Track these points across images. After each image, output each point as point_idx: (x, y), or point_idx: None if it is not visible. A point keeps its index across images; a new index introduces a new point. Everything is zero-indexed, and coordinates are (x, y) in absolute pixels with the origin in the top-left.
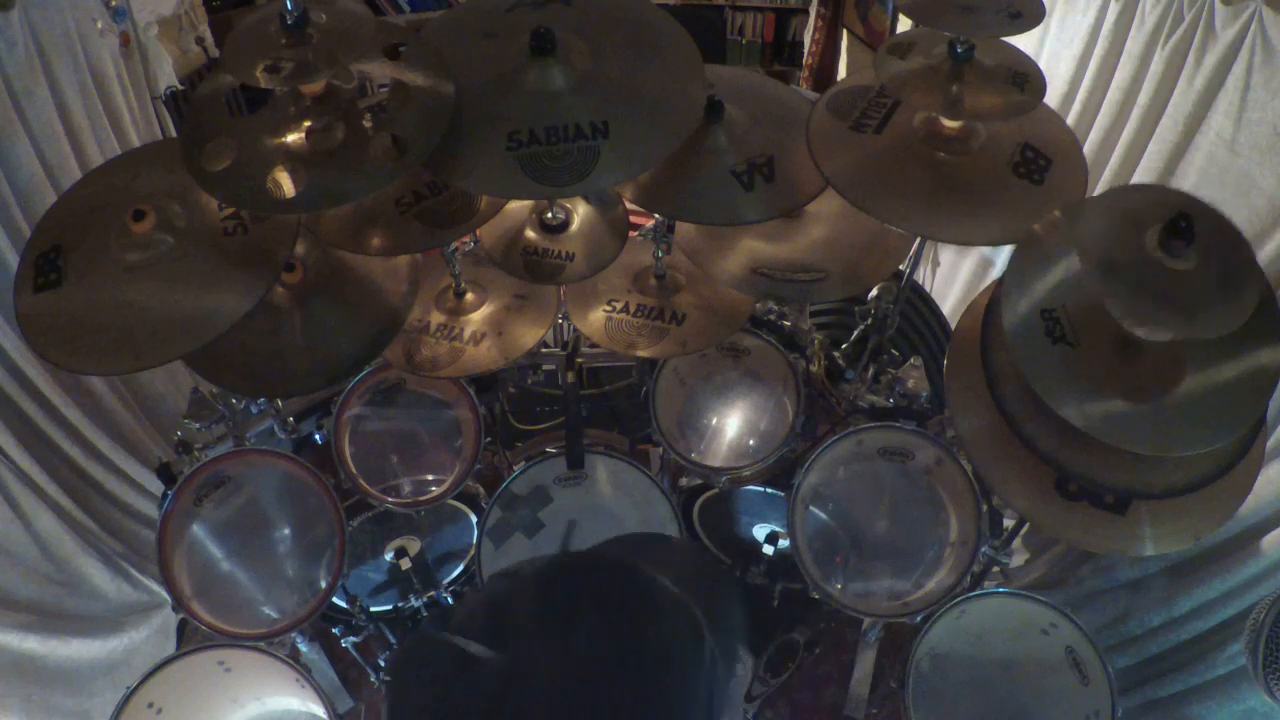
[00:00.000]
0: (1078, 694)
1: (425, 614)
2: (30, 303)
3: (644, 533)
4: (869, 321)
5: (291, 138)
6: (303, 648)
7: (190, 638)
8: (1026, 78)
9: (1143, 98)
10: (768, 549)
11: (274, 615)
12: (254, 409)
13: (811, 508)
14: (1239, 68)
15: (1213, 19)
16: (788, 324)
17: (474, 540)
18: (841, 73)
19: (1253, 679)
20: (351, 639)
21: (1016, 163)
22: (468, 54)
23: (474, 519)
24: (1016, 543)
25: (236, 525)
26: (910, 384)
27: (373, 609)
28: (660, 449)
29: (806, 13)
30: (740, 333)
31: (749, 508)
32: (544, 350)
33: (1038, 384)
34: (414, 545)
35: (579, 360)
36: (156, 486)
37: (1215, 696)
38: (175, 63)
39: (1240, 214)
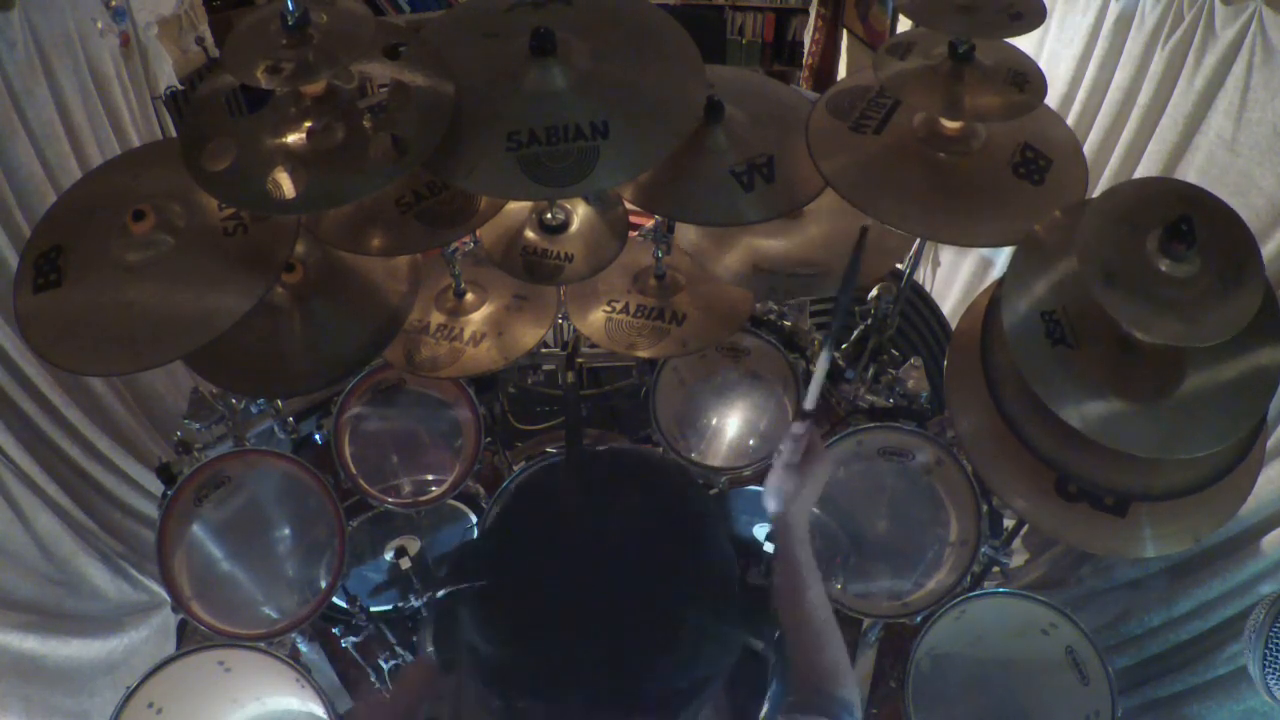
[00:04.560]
0: (1078, 694)
1: (425, 614)
2: (30, 303)
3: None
4: (869, 321)
5: (291, 138)
6: (303, 648)
7: (190, 638)
8: (1026, 78)
9: (1143, 98)
10: (768, 548)
11: (274, 615)
12: (254, 409)
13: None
14: (1239, 68)
15: (1213, 19)
16: (788, 324)
17: None
18: (841, 73)
19: (1253, 679)
20: (351, 639)
21: (1016, 163)
22: (468, 54)
23: (474, 519)
24: (1016, 543)
25: (236, 525)
26: (910, 384)
27: (373, 609)
28: (660, 449)
29: (806, 13)
30: (740, 333)
31: (749, 508)
32: (544, 350)
33: (1037, 385)
34: (414, 545)
35: (579, 360)
36: (156, 486)
37: (1215, 696)
38: (175, 63)
39: (1240, 214)
